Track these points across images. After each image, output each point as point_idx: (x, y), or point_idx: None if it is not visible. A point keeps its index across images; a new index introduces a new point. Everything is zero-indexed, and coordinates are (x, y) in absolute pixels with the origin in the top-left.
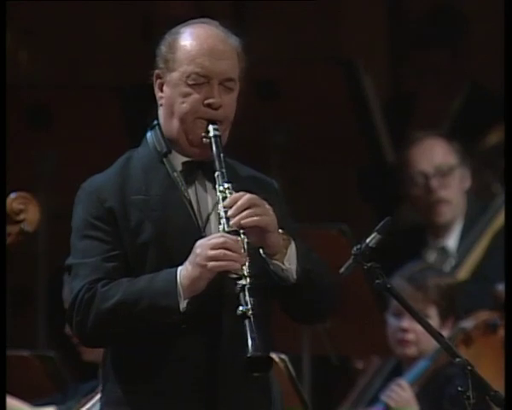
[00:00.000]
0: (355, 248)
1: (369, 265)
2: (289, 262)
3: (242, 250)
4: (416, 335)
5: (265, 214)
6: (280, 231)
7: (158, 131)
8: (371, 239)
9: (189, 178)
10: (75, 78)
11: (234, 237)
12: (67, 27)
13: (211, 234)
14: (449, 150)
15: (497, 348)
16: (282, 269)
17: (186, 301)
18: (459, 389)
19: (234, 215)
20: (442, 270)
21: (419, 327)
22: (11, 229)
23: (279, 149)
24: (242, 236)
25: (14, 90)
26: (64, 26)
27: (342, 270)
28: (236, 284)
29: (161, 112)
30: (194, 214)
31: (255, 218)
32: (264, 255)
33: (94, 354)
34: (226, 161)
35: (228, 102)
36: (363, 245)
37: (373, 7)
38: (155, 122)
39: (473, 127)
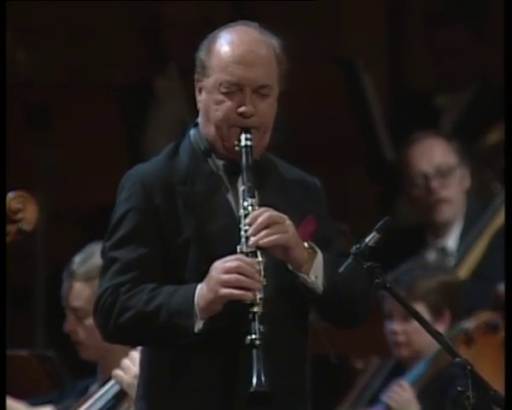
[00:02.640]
0: (354, 248)
1: (368, 264)
2: (315, 275)
3: (258, 274)
4: (406, 336)
5: (285, 232)
6: (305, 244)
7: (200, 131)
8: (370, 238)
9: (232, 177)
10: (74, 77)
11: (249, 260)
12: (67, 27)
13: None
14: (448, 150)
15: (498, 349)
16: (308, 282)
17: (202, 322)
18: (459, 389)
19: (253, 234)
20: (435, 267)
21: (410, 328)
22: (9, 228)
23: (278, 149)
24: (260, 258)
25: (13, 90)
26: (63, 26)
27: (342, 269)
28: (249, 311)
29: (200, 115)
30: (237, 214)
31: (272, 237)
32: (290, 268)
33: (92, 353)
34: (270, 158)
35: (263, 109)
36: (363, 244)
37: (373, 7)
38: (198, 120)
39: (475, 126)
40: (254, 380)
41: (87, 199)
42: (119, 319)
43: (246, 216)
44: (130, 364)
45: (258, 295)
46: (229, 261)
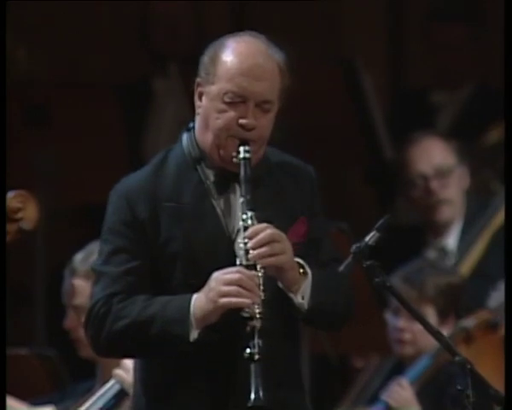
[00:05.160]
0: (354, 247)
1: (368, 263)
2: (302, 296)
3: (257, 288)
4: (412, 334)
5: (283, 253)
6: (298, 260)
7: (193, 137)
8: (370, 237)
9: (221, 188)
10: (74, 76)
11: (250, 273)
12: (67, 25)
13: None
14: (447, 150)
15: (498, 347)
16: (295, 301)
17: (197, 332)
18: (458, 387)
19: (253, 248)
20: (443, 268)
21: (416, 327)
22: (9, 227)
23: (277, 148)
24: (259, 273)
25: (13, 89)
26: (63, 25)
27: (341, 268)
28: (248, 324)
29: (197, 121)
30: (226, 225)
31: (272, 259)
32: (281, 286)
33: (90, 351)
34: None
35: (263, 124)
36: (363, 243)
37: (372, 7)
38: (191, 125)
39: (474, 125)
40: (252, 395)
41: (87, 198)
42: (113, 328)
43: (245, 229)
44: (131, 364)
45: (258, 310)
46: (229, 273)
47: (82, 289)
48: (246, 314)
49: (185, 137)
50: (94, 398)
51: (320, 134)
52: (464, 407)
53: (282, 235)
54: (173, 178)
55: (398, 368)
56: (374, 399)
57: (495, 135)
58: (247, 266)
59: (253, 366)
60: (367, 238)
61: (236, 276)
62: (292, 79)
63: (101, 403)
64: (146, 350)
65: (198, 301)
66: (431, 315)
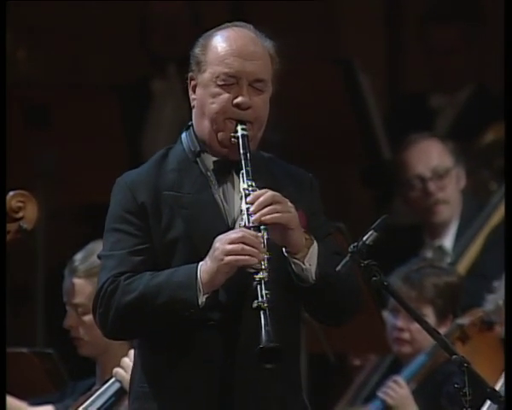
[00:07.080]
0: (352, 246)
1: (365, 262)
2: (309, 262)
3: (262, 245)
4: (410, 334)
5: (287, 211)
6: (303, 230)
7: (192, 132)
8: (368, 237)
9: (221, 177)
10: (74, 77)
11: (253, 232)
12: (67, 26)
13: None
14: (444, 151)
15: (493, 345)
16: (302, 269)
17: (205, 296)
18: (455, 385)
19: (255, 211)
20: (442, 268)
21: (414, 326)
22: (10, 227)
23: (276, 148)
24: (263, 231)
25: (13, 89)
26: (63, 25)
27: (339, 267)
28: (254, 277)
29: (194, 113)
30: (225, 213)
31: (276, 215)
32: (286, 254)
33: (90, 349)
34: (261, 156)
35: (258, 104)
36: (360, 243)
37: (371, 7)
38: (190, 123)
39: (473, 128)
40: (263, 337)
41: (86, 198)
42: (121, 303)
43: (247, 196)
44: (130, 363)
45: (264, 263)
46: (233, 233)
47: (82, 289)
48: (252, 270)
49: (184, 135)
50: (94, 396)
51: (318, 134)
52: (461, 405)
53: (284, 198)
54: (174, 172)
55: (396, 366)
56: (371, 397)
57: (491, 135)
58: (251, 229)
59: (262, 314)
60: (365, 238)
61: (239, 234)
62: (290, 69)
63: (100, 401)
64: (155, 323)
65: (204, 265)
66: (430, 315)
